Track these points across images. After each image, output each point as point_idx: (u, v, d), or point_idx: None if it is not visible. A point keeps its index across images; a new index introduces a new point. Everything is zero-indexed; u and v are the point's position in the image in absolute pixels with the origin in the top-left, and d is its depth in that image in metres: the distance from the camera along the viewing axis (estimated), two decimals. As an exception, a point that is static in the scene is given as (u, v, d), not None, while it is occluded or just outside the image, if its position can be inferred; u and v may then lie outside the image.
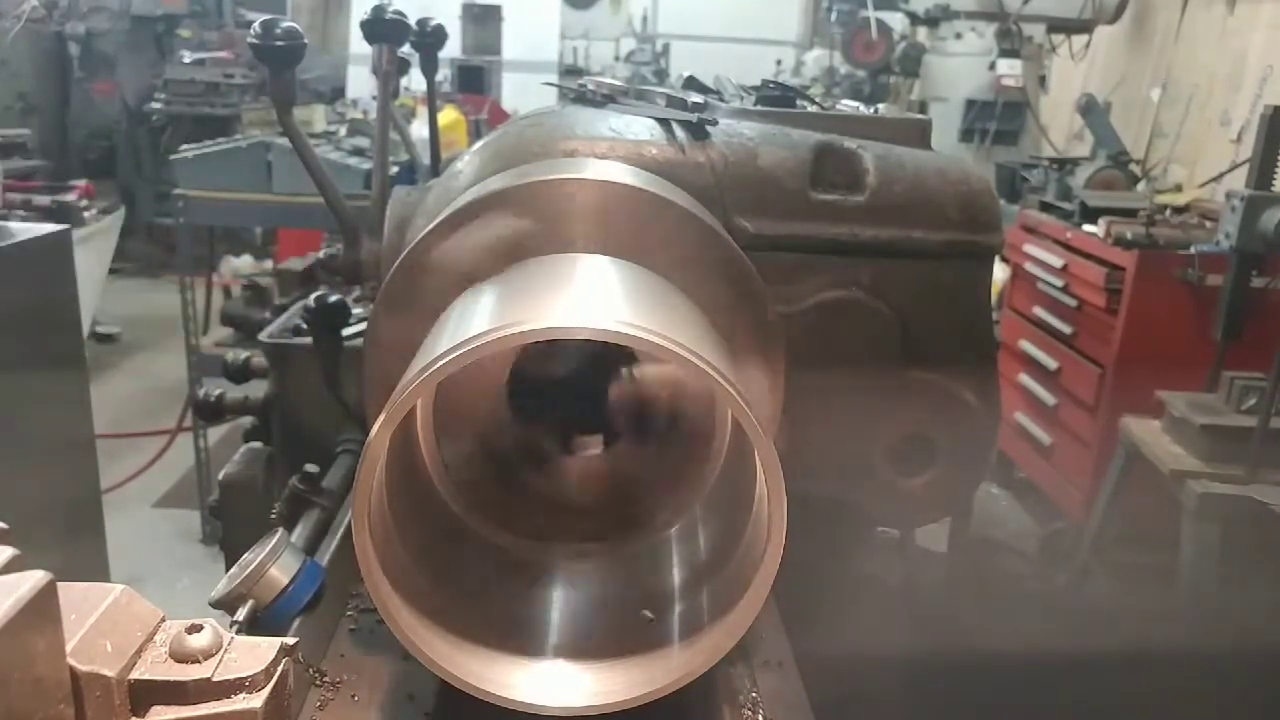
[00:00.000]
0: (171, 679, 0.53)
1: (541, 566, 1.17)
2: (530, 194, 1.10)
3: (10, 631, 0.45)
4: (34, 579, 0.48)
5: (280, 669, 0.55)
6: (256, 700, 0.53)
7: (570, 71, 10.21)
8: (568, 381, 1.22)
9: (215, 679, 0.54)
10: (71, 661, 0.50)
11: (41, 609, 0.47)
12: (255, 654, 0.55)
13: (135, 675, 0.53)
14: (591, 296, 0.98)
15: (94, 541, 3.46)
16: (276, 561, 1.13)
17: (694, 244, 1.12)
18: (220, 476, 1.89)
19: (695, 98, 1.47)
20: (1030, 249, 4.91)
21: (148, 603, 0.56)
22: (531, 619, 1.08)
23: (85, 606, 0.52)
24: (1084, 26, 6.71)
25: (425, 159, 2.11)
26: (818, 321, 1.33)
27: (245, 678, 0.54)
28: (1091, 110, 5.36)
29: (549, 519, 1.22)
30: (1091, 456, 4.28)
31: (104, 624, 0.53)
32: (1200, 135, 5.81)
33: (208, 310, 5.56)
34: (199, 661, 0.54)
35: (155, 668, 0.53)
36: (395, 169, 2.58)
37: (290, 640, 0.57)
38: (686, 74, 1.81)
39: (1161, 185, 5.45)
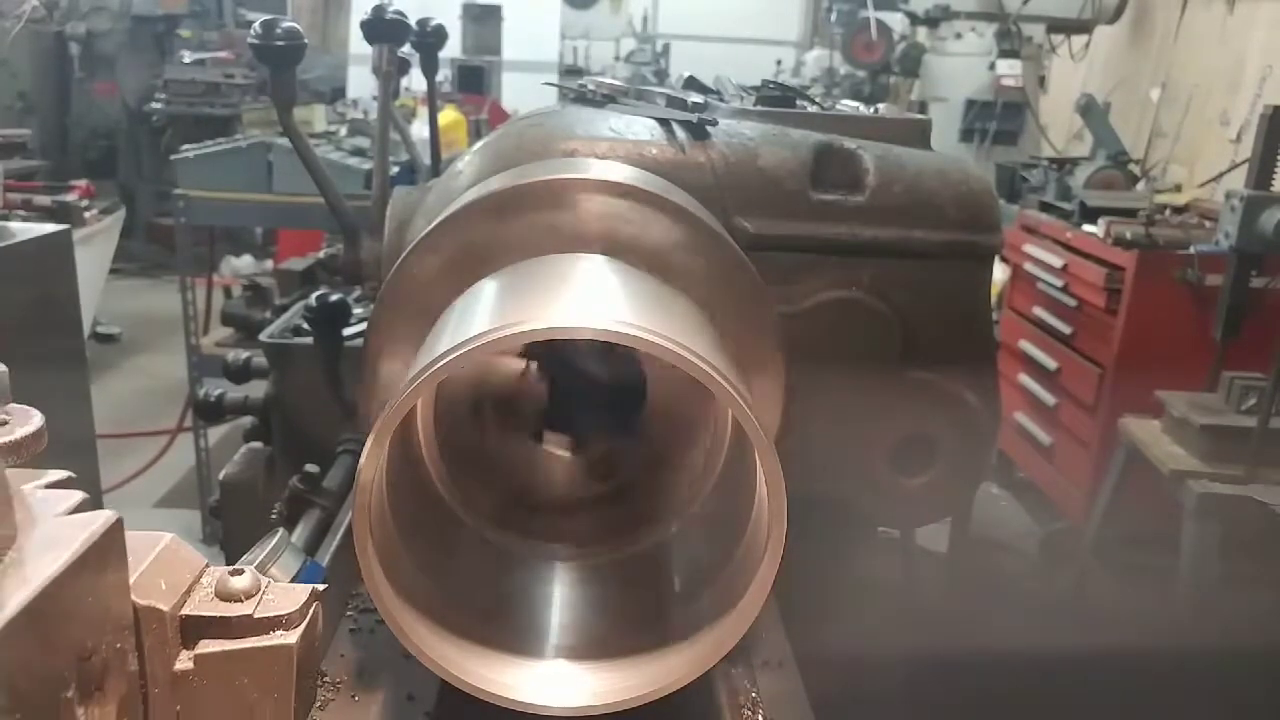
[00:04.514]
0: (218, 615, 0.59)
1: (541, 566, 1.17)
2: (530, 194, 1.10)
3: (84, 563, 0.49)
4: (104, 517, 0.53)
5: (312, 610, 0.61)
6: (292, 637, 0.59)
7: (570, 71, 10.21)
8: (568, 381, 1.22)
9: (256, 616, 0.59)
10: (132, 596, 0.56)
11: (111, 545, 0.52)
12: (290, 596, 0.61)
13: (186, 611, 0.58)
14: (592, 296, 0.98)
15: (94, 541, 3.45)
16: (276, 561, 1.13)
17: (694, 245, 1.12)
18: (220, 476, 1.89)
19: (695, 98, 1.47)
20: (1030, 249, 4.91)
21: (193, 550, 0.62)
22: (531, 619, 1.08)
23: (140, 550, 0.57)
24: (1084, 26, 6.70)
25: (425, 159, 2.11)
26: (818, 322, 1.33)
27: (282, 616, 0.60)
28: (1091, 110, 5.36)
29: (549, 519, 1.23)
30: (1091, 456, 4.28)
31: (157, 565, 0.58)
32: (1200, 135, 5.81)
33: (208, 310, 5.56)
34: (241, 601, 0.60)
35: (203, 605, 0.59)
36: (395, 169, 2.58)
37: (320, 586, 0.64)
38: (686, 74, 1.81)
39: (1161, 185, 5.44)
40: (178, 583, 0.59)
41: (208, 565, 0.62)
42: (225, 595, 0.60)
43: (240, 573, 0.61)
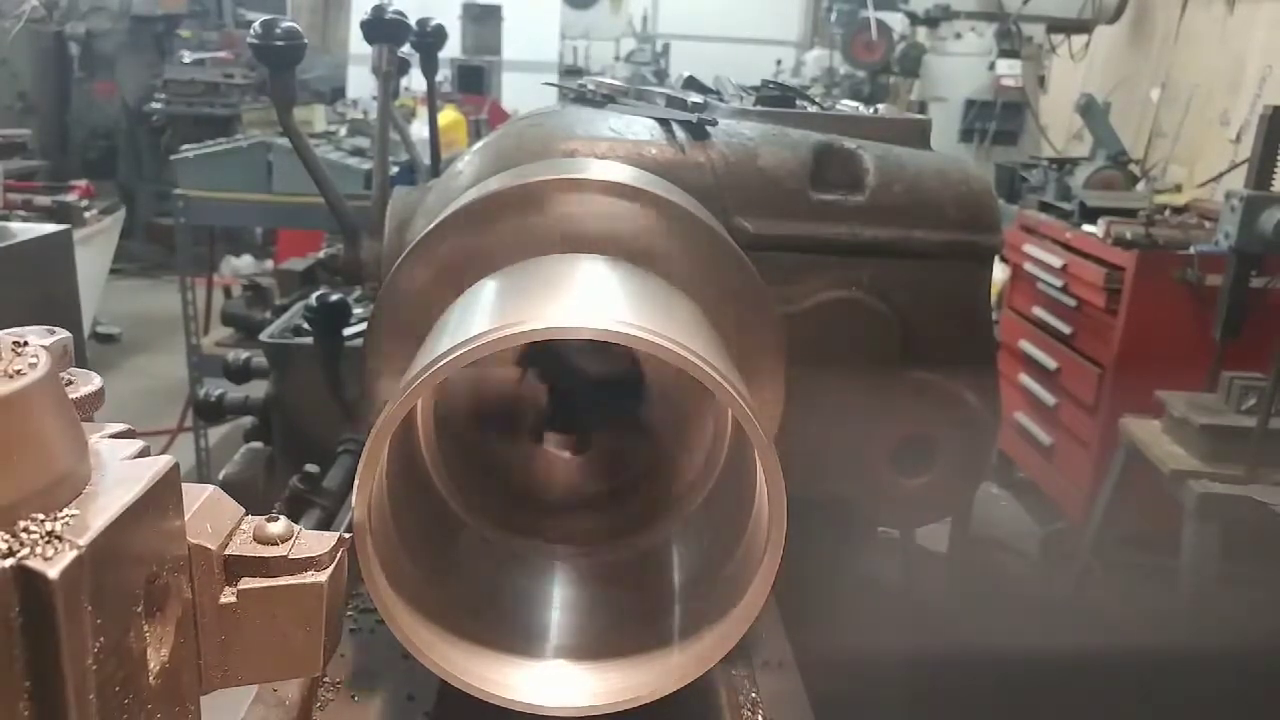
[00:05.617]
0: (257, 555, 0.66)
1: (541, 566, 1.17)
2: (530, 194, 1.10)
3: (149, 499, 0.56)
4: (164, 461, 0.60)
5: (340, 554, 0.68)
6: (322, 576, 0.67)
7: (570, 71, 10.21)
8: (568, 381, 1.22)
9: (290, 557, 0.66)
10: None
11: (169, 486, 0.59)
12: (320, 541, 0.68)
13: (229, 551, 0.65)
14: (592, 297, 0.98)
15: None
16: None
17: (694, 245, 1.12)
18: (220, 476, 1.89)
19: (695, 98, 1.47)
20: (1030, 249, 4.91)
21: (233, 501, 0.69)
22: (531, 619, 1.08)
23: (189, 498, 0.64)
24: (1084, 26, 6.70)
25: (425, 159, 2.11)
26: (818, 322, 1.33)
27: (314, 558, 0.67)
28: (1091, 110, 5.36)
29: (549, 519, 1.23)
30: (1091, 456, 4.28)
31: (203, 511, 0.65)
32: (1200, 135, 5.81)
33: (208, 310, 5.56)
34: (277, 544, 0.67)
35: (244, 546, 0.66)
36: (395, 169, 2.58)
37: (346, 535, 0.70)
38: (686, 74, 1.81)
39: (1161, 185, 5.44)
40: (221, 527, 0.66)
41: (246, 514, 0.69)
42: (263, 539, 0.67)
43: (275, 520, 0.68)
